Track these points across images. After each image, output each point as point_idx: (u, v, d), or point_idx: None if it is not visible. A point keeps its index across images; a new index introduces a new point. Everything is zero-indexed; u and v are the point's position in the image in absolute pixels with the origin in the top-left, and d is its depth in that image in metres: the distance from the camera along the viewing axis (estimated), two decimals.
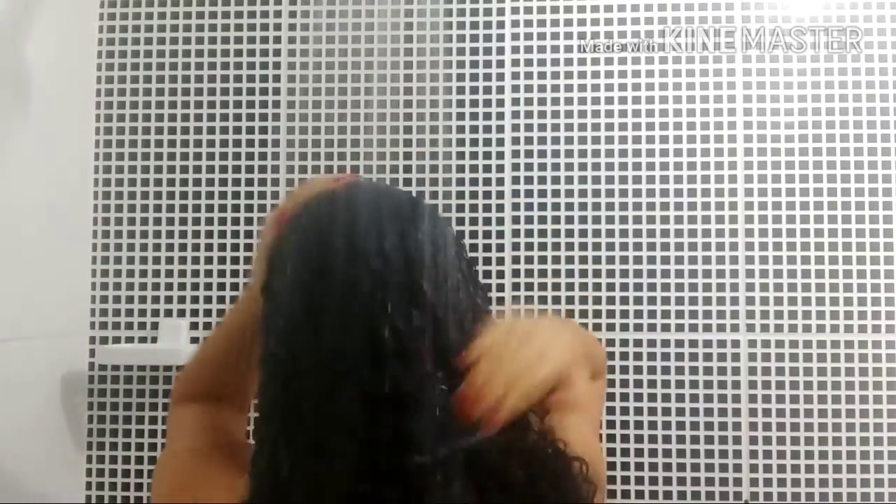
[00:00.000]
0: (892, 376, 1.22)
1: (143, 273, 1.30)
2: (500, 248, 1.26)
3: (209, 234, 1.29)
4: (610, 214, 1.26)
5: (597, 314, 1.25)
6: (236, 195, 1.29)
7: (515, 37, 1.29)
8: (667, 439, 1.23)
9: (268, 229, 0.64)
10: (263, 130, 1.30)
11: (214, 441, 0.66)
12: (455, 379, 0.53)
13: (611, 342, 1.25)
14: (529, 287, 1.26)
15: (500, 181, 1.27)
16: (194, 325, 1.28)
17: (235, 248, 1.29)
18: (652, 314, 1.25)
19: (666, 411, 1.23)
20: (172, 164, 1.30)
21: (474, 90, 1.28)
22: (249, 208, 1.29)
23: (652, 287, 1.25)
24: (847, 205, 1.24)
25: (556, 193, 1.27)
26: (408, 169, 1.28)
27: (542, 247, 1.26)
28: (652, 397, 1.24)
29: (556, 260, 1.26)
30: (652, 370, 1.24)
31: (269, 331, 0.57)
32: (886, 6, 1.25)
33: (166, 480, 0.65)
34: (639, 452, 1.23)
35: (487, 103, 1.28)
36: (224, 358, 0.72)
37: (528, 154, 1.27)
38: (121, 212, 1.30)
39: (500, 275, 1.26)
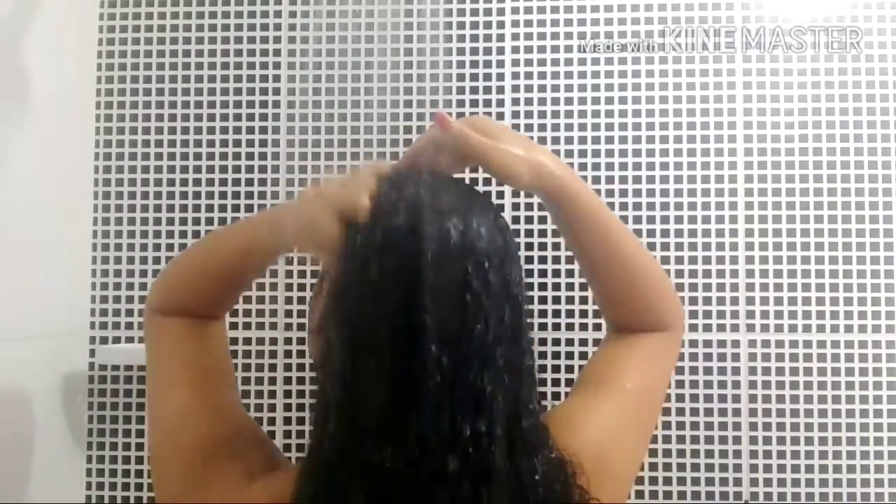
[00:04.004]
0: (892, 376, 1.22)
1: (143, 273, 1.30)
2: None
3: None
4: None
5: (597, 314, 1.25)
6: (236, 195, 1.29)
7: (515, 37, 1.29)
8: (667, 439, 1.23)
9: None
10: (263, 130, 1.30)
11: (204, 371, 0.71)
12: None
13: None
14: (529, 287, 1.26)
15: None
16: None
17: None
18: None
19: (666, 411, 1.23)
20: (172, 164, 1.30)
21: (474, 90, 1.28)
22: (249, 208, 1.29)
23: None
24: (847, 205, 1.24)
25: None
26: None
27: (542, 247, 1.26)
28: None
29: (556, 260, 1.26)
30: None
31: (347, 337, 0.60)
32: (886, 6, 1.25)
33: (170, 482, 0.66)
34: None
35: (487, 103, 1.28)
36: (207, 279, 0.74)
37: None
38: (121, 212, 1.30)
39: None
